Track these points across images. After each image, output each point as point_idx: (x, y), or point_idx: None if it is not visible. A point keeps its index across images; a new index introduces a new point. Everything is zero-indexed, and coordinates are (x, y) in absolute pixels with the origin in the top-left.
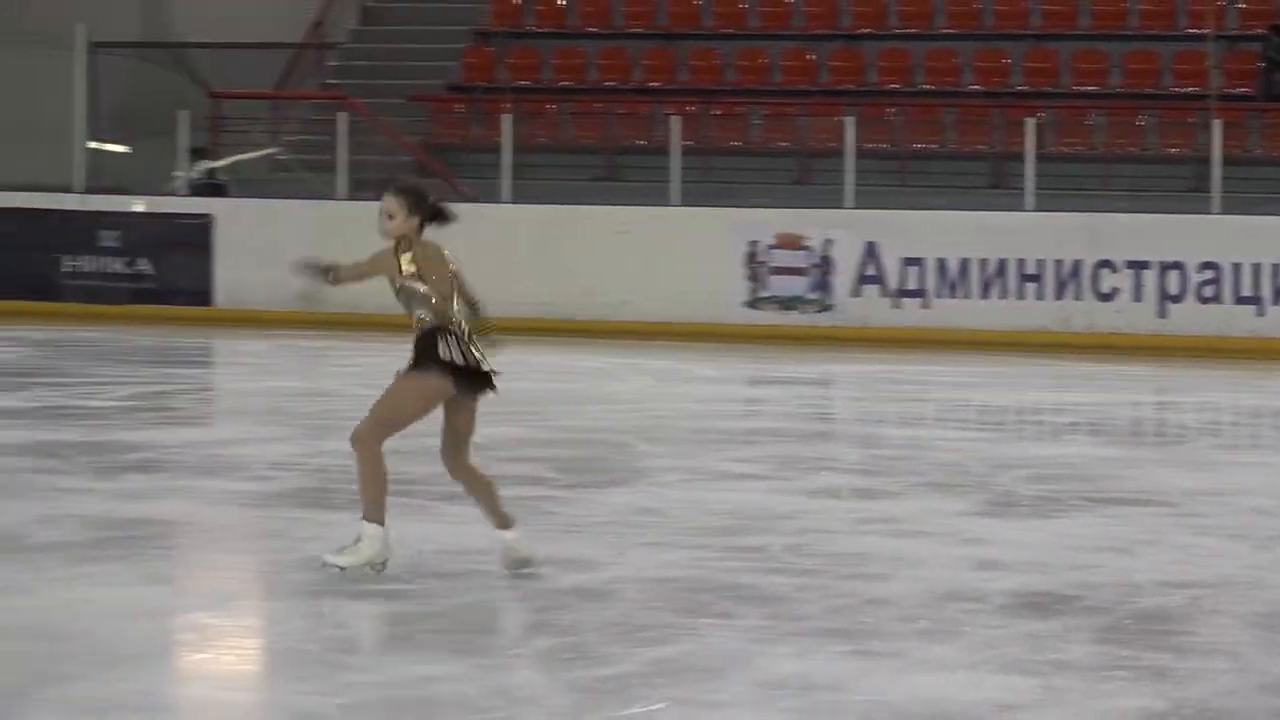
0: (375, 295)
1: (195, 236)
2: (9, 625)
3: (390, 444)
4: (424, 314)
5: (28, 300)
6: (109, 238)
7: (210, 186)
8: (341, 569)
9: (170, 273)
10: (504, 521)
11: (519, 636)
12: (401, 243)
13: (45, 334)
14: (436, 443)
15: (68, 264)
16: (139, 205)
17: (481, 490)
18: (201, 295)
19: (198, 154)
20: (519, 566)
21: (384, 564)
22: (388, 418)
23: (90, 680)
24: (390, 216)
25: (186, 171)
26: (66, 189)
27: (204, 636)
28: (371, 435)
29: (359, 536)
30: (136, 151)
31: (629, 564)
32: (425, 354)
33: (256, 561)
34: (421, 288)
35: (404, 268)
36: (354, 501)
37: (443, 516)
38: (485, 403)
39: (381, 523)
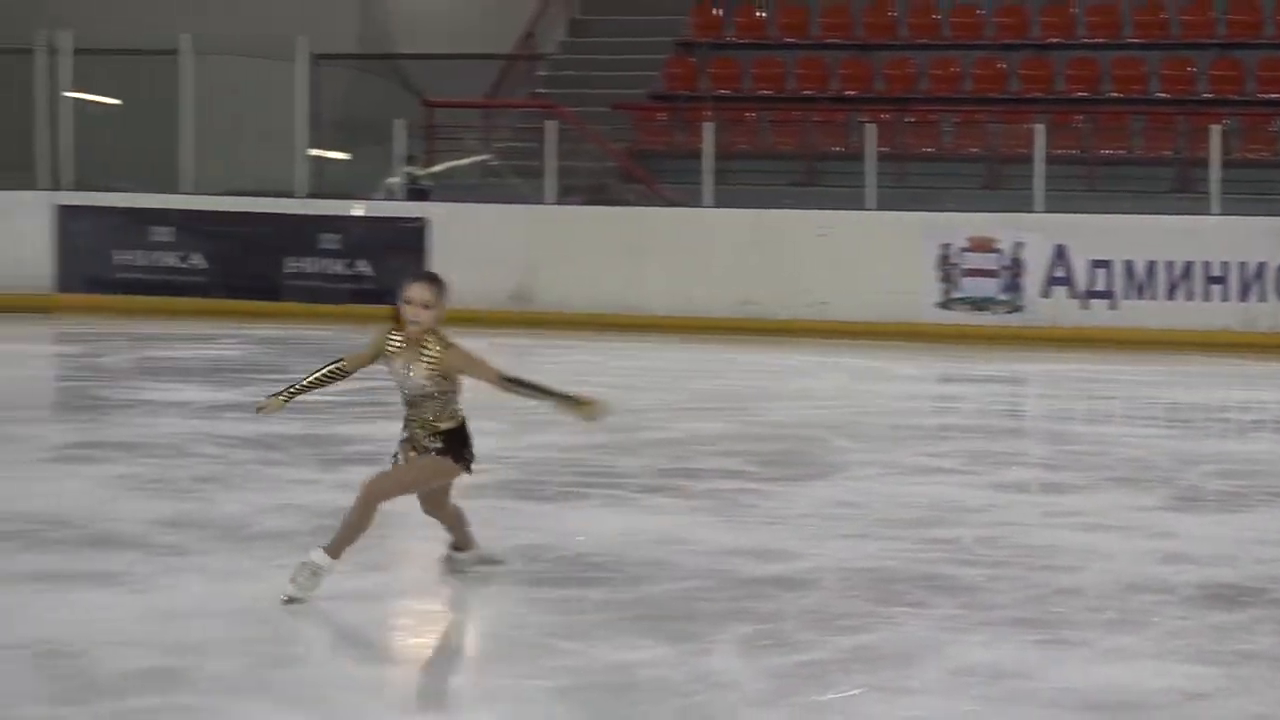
0: (582, 296)
1: (410, 239)
2: (237, 610)
3: (596, 438)
4: (458, 408)
5: (253, 300)
6: (329, 240)
7: (415, 191)
8: (295, 599)
9: (387, 274)
10: (468, 544)
11: (719, 623)
12: (432, 335)
13: (268, 332)
14: (641, 438)
15: (290, 265)
16: (357, 209)
17: (454, 520)
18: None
19: (409, 160)
20: (482, 564)
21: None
22: (408, 487)
23: (312, 663)
24: (427, 306)
25: (398, 178)
26: (289, 194)
27: (418, 621)
28: (384, 497)
29: (315, 567)
30: (355, 158)
31: (826, 554)
32: (462, 448)
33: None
34: (462, 380)
35: (459, 363)
36: (562, 492)
37: (646, 508)
38: (693, 399)
39: (338, 559)
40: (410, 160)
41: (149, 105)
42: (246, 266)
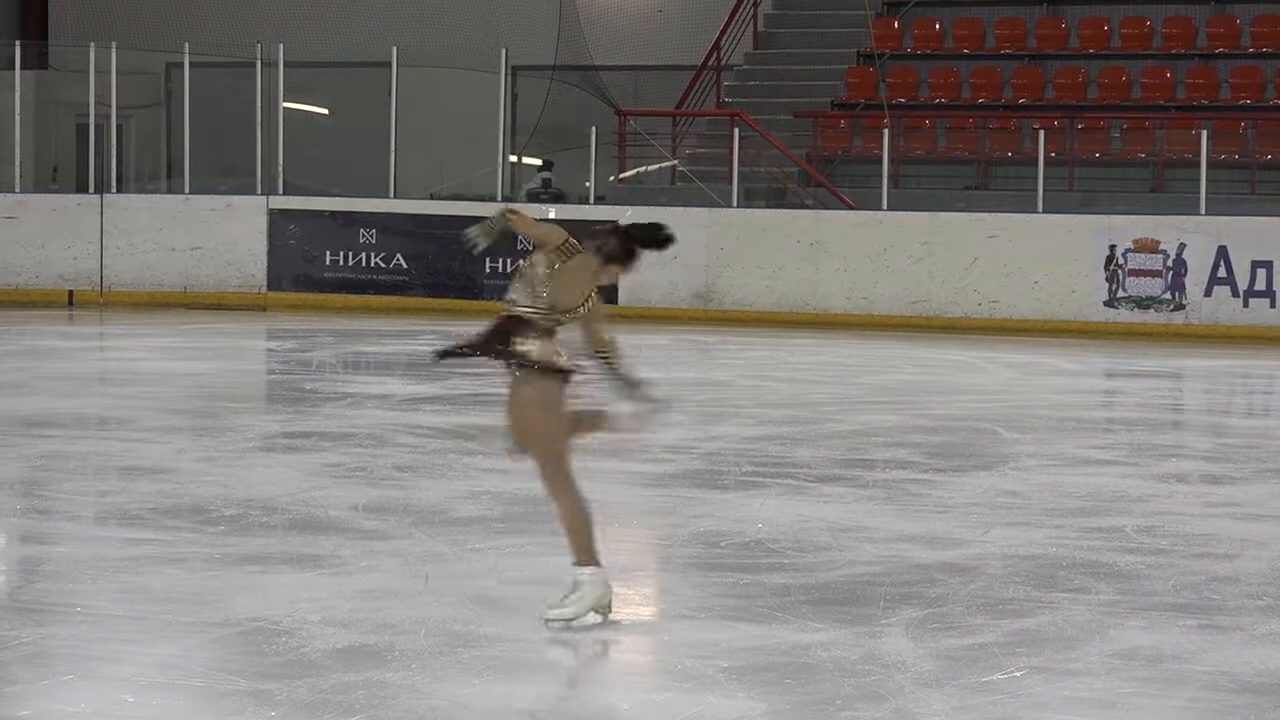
0: (763, 294)
1: None
2: (432, 592)
3: (775, 430)
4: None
5: (455, 299)
6: (527, 241)
7: (550, 195)
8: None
9: None
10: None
11: (890, 607)
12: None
13: (467, 328)
14: (817, 430)
15: (490, 265)
16: (551, 212)
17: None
18: (608, 293)
19: (545, 167)
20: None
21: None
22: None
23: (501, 641)
24: None
25: (534, 183)
26: (491, 198)
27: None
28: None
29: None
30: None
31: (992, 542)
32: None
33: (652, 536)
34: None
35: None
36: (741, 481)
37: (822, 496)
38: (867, 393)
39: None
40: (549, 166)
41: (357, 114)
42: (451, 267)
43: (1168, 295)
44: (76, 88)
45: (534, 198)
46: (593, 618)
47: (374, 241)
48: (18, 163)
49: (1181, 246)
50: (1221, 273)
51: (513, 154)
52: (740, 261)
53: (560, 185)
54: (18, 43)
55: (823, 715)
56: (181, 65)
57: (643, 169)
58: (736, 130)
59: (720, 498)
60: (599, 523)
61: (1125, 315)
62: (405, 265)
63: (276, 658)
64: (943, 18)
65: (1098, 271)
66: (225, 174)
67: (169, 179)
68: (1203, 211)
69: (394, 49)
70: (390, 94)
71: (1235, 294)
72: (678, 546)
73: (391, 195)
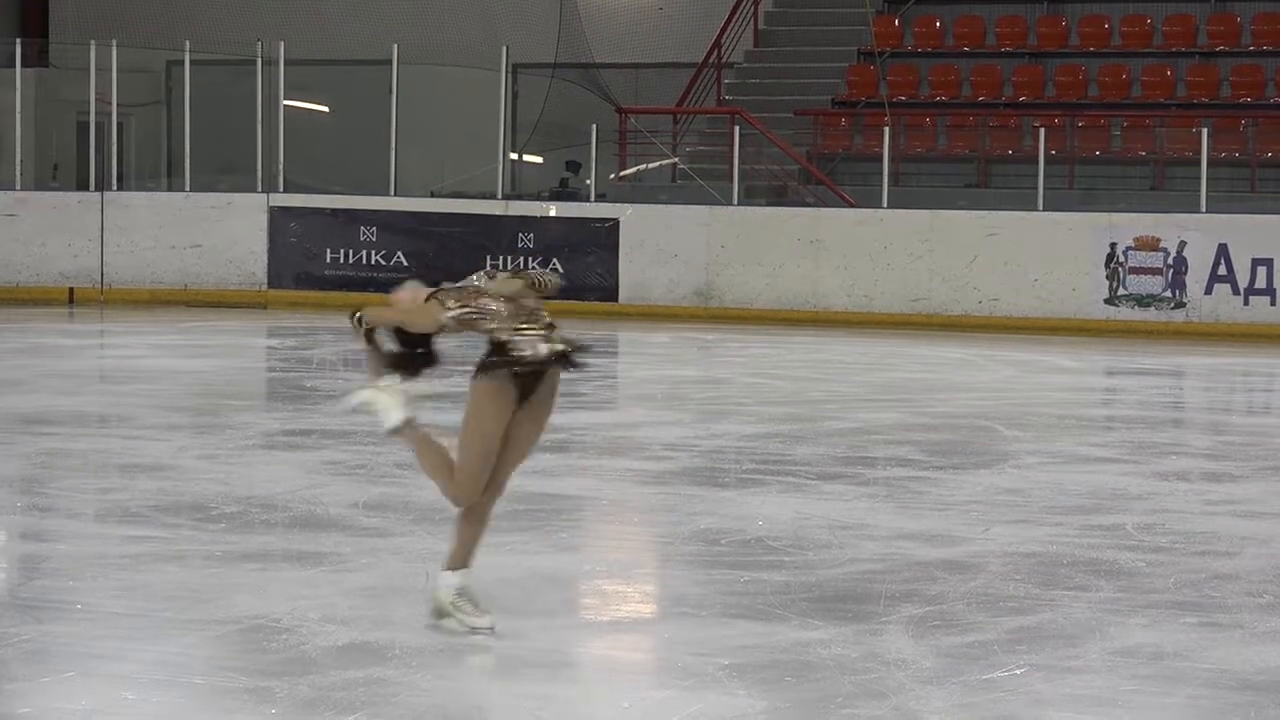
0: (763, 292)
1: (602, 238)
2: (432, 589)
3: (775, 428)
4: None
5: None
6: (527, 239)
7: (564, 194)
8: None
9: (580, 271)
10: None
11: (891, 604)
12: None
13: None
14: (817, 427)
15: (490, 265)
16: (551, 210)
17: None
18: (609, 292)
19: (568, 167)
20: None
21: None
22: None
23: (502, 639)
24: None
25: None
26: (490, 195)
27: (604, 600)
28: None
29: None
30: (552, 162)
31: (993, 539)
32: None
33: (652, 533)
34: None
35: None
36: (741, 479)
37: (822, 494)
38: (868, 390)
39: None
40: (570, 168)
41: (358, 112)
42: (451, 265)
43: (1168, 293)
44: (77, 85)
45: (558, 195)
46: (486, 621)
47: (374, 239)
48: (18, 160)
49: (1182, 244)
50: (1222, 270)
51: (513, 152)
52: (741, 259)
53: (578, 187)
54: (18, 40)
55: (823, 713)
56: (182, 63)
57: (643, 167)
58: (737, 128)
59: (720, 495)
60: (600, 522)
61: (1125, 313)
62: (406, 263)
63: (277, 655)
64: (943, 15)
65: (1098, 269)
66: (226, 172)
67: (169, 177)
68: (1203, 209)
69: (394, 47)
70: (391, 92)
71: (1236, 292)
72: (678, 544)
73: (392, 193)
